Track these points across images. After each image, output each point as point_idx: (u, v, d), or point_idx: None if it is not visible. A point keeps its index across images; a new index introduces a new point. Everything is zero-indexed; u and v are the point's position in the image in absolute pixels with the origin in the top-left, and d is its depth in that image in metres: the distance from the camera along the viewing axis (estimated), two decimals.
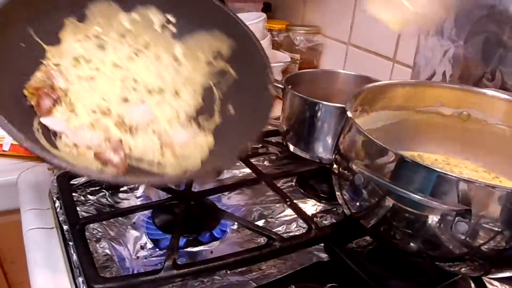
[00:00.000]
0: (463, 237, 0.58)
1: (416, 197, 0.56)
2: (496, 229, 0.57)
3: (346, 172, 0.70)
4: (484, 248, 0.58)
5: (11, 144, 1.02)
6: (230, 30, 0.84)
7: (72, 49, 0.81)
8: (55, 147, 0.69)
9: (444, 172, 0.57)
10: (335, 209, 0.93)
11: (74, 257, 0.72)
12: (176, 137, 0.79)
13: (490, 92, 0.82)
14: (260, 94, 0.79)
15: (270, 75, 0.80)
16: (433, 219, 0.59)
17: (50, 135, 0.71)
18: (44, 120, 0.72)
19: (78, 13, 0.82)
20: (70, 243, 0.75)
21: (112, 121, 0.77)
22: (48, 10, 0.77)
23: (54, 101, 0.74)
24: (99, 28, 0.84)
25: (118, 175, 0.67)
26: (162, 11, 0.87)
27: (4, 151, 1.02)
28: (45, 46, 0.77)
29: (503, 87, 0.90)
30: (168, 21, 0.87)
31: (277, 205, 0.93)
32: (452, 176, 0.56)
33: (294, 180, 1.02)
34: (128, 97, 0.80)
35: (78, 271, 0.70)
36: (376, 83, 0.84)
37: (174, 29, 0.87)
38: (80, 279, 0.68)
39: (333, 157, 0.76)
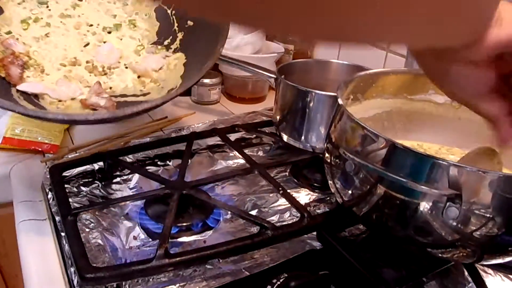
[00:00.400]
0: (454, 223, 0.58)
1: (407, 182, 0.56)
2: (488, 215, 0.56)
3: (337, 160, 0.70)
4: (476, 234, 0.58)
5: (4, 137, 1.02)
6: None
7: (16, 13, 0.81)
8: (42, 108, 0.70)
9: (435, 157, 0.57)
10: (328, 198, 0.93)
11: (66, 247, 0.72)
12: (148, 64, 0.80)
13: None
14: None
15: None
16: (424, 205, 0.59)
17: (32, 99, 0.72)
18: (21, 87, 0.73)
19: None
20: (62, 234, 0.75)
21: (84, 69, 0.77)
22: None
23: (22, 67, 0.75)
24: None
25: (112, 112, 0.67)
26: None
27: None
28: None
29: None
30: None
31: (271, 194, 0.92)
32: (442, 161, 0.56)
33: (288, 170, 1.02)
34: (89, 42, 0.81)
35: (70, 261, 0.70)
36: (368, 71, 0.84)
37: None
38: (72, 269, 0.68)
39: (325, 145, 0.76)
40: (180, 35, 0.82)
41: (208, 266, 0.73)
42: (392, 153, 0.60)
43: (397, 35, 0.39)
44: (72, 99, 0.73)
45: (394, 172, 0.58)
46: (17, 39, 0.78)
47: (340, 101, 0.70)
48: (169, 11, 0.84)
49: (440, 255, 0.65)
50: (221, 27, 0.77)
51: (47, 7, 0.82)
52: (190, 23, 0.82)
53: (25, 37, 0.78)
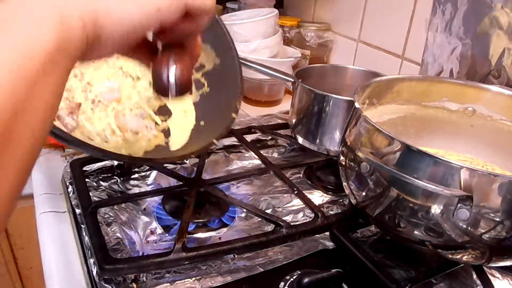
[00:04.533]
0: (464, 225, 0.59)
1: (420, 182, 0.58)
2: (497, 218, 0.58)
3: (352, 162, 0.72)
4: (485, 236, 0.60)
5: None
6: (220, 49, 0.88)
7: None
8: None
9: (448, 160, 0.58)
10: (341, 200, 0.94)
11: (86, 239, 0.74)
12: (131, 123, 0.81)
13: (494, 88, 0.84)
14: (224, 115, 0.84)
15: (238, 104, 0.84)
16: (436, 207, 0.61)
17: None
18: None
19: None
20: (82, 226, 0.77)
21: (81, 86, 0.79)
22: None
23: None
24: None
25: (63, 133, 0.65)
26: None
27: None
28: None
29: (508, 84, 0.92)
30: None
31: (285, 195, 0.94)
32: (455, 164, 0.58)
33: (302, 172, 1.04)
34: (105, 71, 0.83)
35: (89, 253, 0.72)
36: (384, 77, 0.86)
37: None
38: (91, 260, 0.70)
39: (340, 148, 0.78)
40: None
41: (223, 262, 0.75)
42: (406, 155, 0.62)
43: None
44: None
45: (408, 173, 0.60)
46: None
47: (356, 105, 0.72)
48: None
49: (450, 256, 0.67)
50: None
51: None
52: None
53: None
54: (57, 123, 0.73)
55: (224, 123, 0.82)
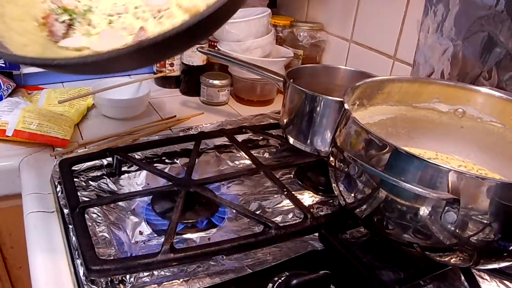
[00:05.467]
0: (452, 228, 0.59)
1: (407, 185, 0.58)
2: (485, 221, 0.58)
3: (341, 163, 0.72)
4: (473, 239, 0.60)
5: (14, 129, 1.03)
6: None
7: None
8: None
9: (436, 163, 0.58)
10: (331, 201, 0.94)
11: (73, 239, 0.74)
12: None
13: (485, 90, 0.84)
14: None
15: None
16: (424, 209, 0.60)
17: None
18: (62, 43, 0.72)
19: None
20: (70, 226, 0.76)
21: (132, 15, 0.75)
22: None
23: (67, 26, 0.74)
24: None
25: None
26: None
27: (7, 136, 1.04)
28: None
29: (499, 86, 0.91)
30: None
31: (275, 195, 0.94)
32: (443, 167, 0.58)
33: (293, 172, 1.04)
34: None
35: (76, 253, 0.71)
36: (374, 78, 0.86)
37: None
38: (79, 261, 0.70)
39: (330, 149, 0.78)
40: None
41: (212, 263, 0.74)
42: (394, 158, 0.62)
43: None
44: None
45: (396, 176, 0.59)
46: None
47: (346, 106, 0.72)
48: None
49: (438, 258, 0.67)
50: None
51: None
52: None
53: None
54: None
55: None
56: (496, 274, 0.77)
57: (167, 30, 0.60)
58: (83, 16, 0.76)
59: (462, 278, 0.75)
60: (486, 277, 0.77)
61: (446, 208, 0.58)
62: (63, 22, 0.75)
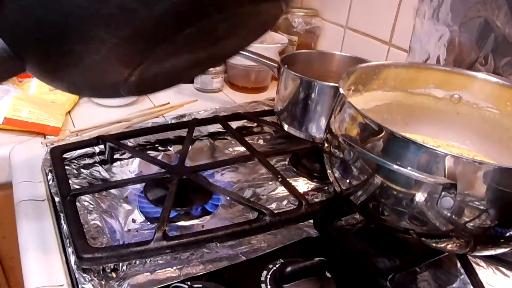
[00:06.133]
0: (448, 213, 0.58)
1: (403, 170, 0.57)
2: (482, 207, 0.57)
3: (336, 149, 0.71)
4: (469, 225, 0.59)
5: (5, 117, 1.02)
6: None
7: None
8: None
9: (432, 147, 0.57)
10: (326, 187, 0.93)
11: (65, 227, 0.73)
12: None
13: (481, 75, 0.83)
14: None
15: None
16: (420, 195, 0.59)
17: None
18: None
19: None
20: (61, 215, 0.75)
21: None
22: None
23: None
24: None
25: None
26: None
27: None
28: None
29: (495, 72, 0.91)
30: None
31: (270, 183, 0.93)
32: (439, 151, 0.57)
33: (287, 159, 1.03)
34: None
35: (68, 241, 0.70)
36: (370, 63, 0.84)
37: None
38: (70, 249, 0.69)
39: (325, 135, 0.77)
40: None
41: (206, 250, 0.73)
42: (390, 143, 0.61)
43: None
44: None
45: (392, 161, 0.59)
46: None
47: (341, 91, 0.71)
48: None
49: (434, 245, 0.66)
50: None
51: None
52: None
53: None
54: None
55: None
56: (493, 260, 0.76)
57: None
58: None
59: (459, 265, 0.74)
60: (483, 264, 0.76)
61: (443, 193, 0.57)
62: None
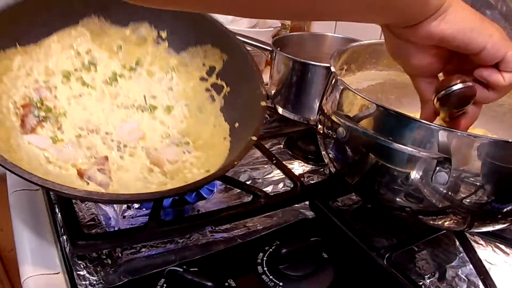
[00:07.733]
0: (444, 190, 0.58)
1: (396, 145, 0.56)
2: (477, 183, 0.57)
3: (330, 130, 0.70)
4: (465, 201, 0.59)
5: None
6: (222, 44, 0.86)
7: (62, 64, 0.82)
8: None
9: (425, 122, 0.57)
10: (322, 169, 0.93)
11: (59, 215, 0.72)
12: (165, 155, 0.80)
13: None
14: (253, 108, 0.80)
15: (262, 89, 0.81)
16: (415, 172, 0.59)
17: None
18: (29, 137, 0.74)
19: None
20: (55, 203, 0.75)
21: (100, 138, 0.79)
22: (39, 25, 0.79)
23: (39, 120, 0.76)
24: (89, 45, 0.85)
25: (92, 193, 0.63)
26: (155, 27, 0.88)
27: None
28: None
29: None
30: (160, 37, 0.89)
31: (265, 166, 0.93)
32: (433, 126, 0.56)
33: (283, 143, 1.03)
34: (118, 115, 0.81)
35: (62, 230, 0.70)
36: (362, 42, 0.84)
37: (166, 45, 0.89)
38: (64, 237, 0.69)
39: (317, 117, 0.76)
40: None
41: (201, 235, 0.73)
42: (382, 118, 0.61)
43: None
44: (73, 165, 0.73)
45: (384, 136, 0.58)
46: (51, 91, 0.80)
47: (332, 69, 0.70)
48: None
49: (431, 222, 0.65)
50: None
51: (95, 69, 0.83)
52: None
53: (59, 91, 0.79)
54: (91, 185, 0.72)
55: (257, 115, 0.79)
56: (492, 238, 0.76)
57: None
58: (56, 118, 0.78)
59: (457, 243, 0.74)
60: (482, 242, 0.76)
61: (437, 168, 0.56)
62: (37, 116, 0.77)
